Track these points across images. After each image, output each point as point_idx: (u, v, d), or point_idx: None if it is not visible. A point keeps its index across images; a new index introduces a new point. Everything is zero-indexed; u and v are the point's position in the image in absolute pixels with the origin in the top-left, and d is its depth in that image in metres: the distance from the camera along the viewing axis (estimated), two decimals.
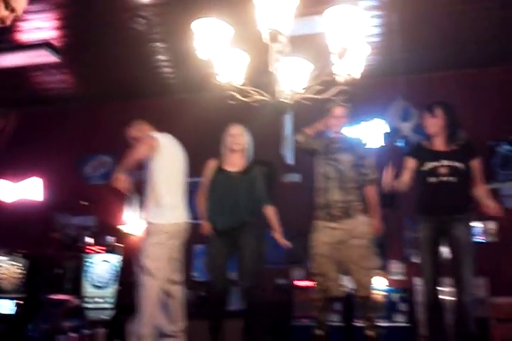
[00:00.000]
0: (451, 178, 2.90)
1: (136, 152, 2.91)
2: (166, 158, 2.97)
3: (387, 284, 5.85)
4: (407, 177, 2.98)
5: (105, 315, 4.87)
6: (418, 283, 5.77)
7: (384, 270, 5.97)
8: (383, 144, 5.42)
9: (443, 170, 2.89)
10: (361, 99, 5.90)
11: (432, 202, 2.93)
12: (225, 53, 2.22)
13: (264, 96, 2.26)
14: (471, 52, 5.50)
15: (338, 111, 3.08)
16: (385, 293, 5.66)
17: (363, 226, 3.01)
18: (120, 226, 5.87)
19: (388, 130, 5.10)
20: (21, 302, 4.75)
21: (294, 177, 5.42)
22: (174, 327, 3.02)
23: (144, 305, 2.78)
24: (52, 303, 4.60)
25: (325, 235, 3.00)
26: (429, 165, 2.93)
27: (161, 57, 5.21)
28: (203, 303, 5.36)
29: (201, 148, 6.20)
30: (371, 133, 5.68)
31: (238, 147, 3.34)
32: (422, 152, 3.02)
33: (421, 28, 4.82)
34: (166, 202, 2.90)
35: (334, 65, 2.23)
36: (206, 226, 3.33)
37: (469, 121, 5.73)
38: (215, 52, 2.18)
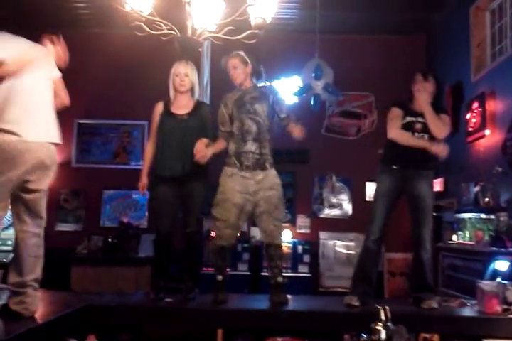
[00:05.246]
0: (424, 135, 3.03)
1: None
2: None
3: (293, 236, 6.20)
4: (398, 124, 3.04)
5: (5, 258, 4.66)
6: (322, 236, 6.22)
7: (291, 223, 6.29)
8: (296, 101, 5.52)
9: (418, 126, 3.03)
10: (280, 53, 5.96)
11: (401, 154, 3.04)
12: None
13: (173, 30, 2.16)
14: (392, 19, 5.66)
15: (230, 63, 3.03)
16: (290, 245, 6.00)
17: (274, 178, 3.07)
18: None
19: (301, 87, 5.17)
20: None
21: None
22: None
23: None
24: None
25: (236, 183, 3.01)
26: (408, 119, 3.06)
27: None
28: (111, 250, 5.35)
29: (114, 89, 5.98)
30: (287, 89, 5.76)
31: (184, 88, 3.08)
32: (404, 106, 3.12)
33: None
34: None
35: (248, 6, 2.18)
36: (143, 184, 3.14)
37: (379, 86, 6.07)
38: None
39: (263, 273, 5.28)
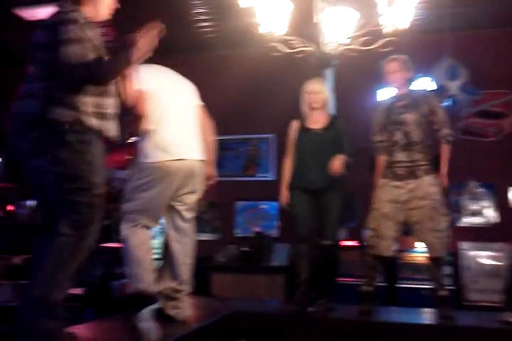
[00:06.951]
0: None
1: None
2: None
3: None
4: None
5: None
6: (463, 246, 5.78)
7: None
8: None
9: None
10: (408, 55, 5.72)
11: None
12: (268, 1, 2.17)
13: (308, 47, 2.22)
14: None
15: (389, 66, 2.97)
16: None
17: (429, 186, 2.97)
18: None
19: (435, 89, 4.91)
20: None
21: None
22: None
23: None
24: (104, 251, 4.76)
25: (387, 193, 2.99)
26: None
27: (199, 10, 5.14)
28: (246, 258, 5.59)
29: (242, 106, 6.28)
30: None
31: (317, 105, 3.21)
32: None
33: None
34: None
35: (381, 15, 2.16)
36: (284, 195, 3.24)
37: None
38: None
39: (399, 285, 5.09)
